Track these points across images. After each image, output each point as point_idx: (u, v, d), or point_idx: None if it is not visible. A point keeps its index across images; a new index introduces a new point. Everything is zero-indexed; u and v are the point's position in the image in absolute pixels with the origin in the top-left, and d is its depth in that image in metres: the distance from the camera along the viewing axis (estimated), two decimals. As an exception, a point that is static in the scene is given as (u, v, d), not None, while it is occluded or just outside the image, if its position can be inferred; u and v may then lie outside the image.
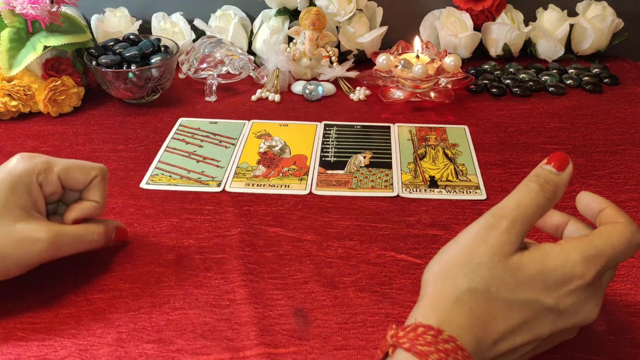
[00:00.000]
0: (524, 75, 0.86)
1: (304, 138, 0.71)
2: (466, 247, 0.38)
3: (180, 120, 0.75)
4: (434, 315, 0.36)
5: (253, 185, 0.63)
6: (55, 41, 0.73)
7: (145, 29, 0.91)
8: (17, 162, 0.47)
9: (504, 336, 0.36)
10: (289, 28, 0.87)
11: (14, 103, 0.74)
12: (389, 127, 0.74)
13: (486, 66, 0.89)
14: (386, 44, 0.89)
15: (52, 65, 0.75)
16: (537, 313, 0.37)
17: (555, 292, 0.36)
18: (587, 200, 0.42)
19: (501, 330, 0.36)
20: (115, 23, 0.89)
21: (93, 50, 0.77)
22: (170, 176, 0.64)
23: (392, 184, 0.63)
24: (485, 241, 0.37)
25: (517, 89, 0.82)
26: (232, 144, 0.70)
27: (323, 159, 0.67)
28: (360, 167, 0.66)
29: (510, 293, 0.36)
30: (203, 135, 0.72)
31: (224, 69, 0.81)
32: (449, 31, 0.89)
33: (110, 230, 0.52)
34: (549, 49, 0.90)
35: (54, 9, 0.73)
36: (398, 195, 0.61)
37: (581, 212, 0.42)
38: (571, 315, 0.37)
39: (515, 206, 0.37)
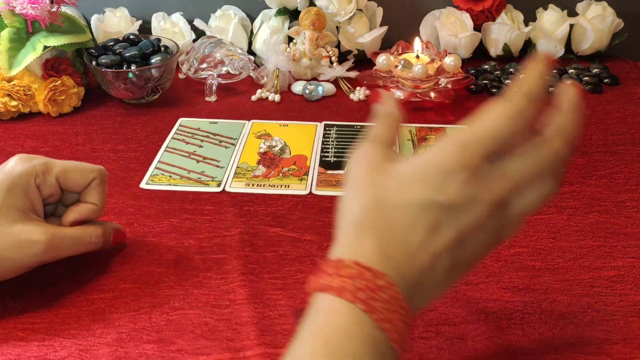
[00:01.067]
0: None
1: (304, 138, 0.71)
2: (347, 176, 0.38)
3: (180, 120, 0.75)
4: (338, 250, 0.35)
5: (253, 185, 0.63)
6: (55, 41, 0.73)
7: (145, 29, 0.91)
8: (15, 164, 0.47)
9: (416, 246, 0.34)
10: (289, 28, 0.87)
11: (13, 103, 0.74)
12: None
13: (486, 66, 0.89)
14: (386, 44, 0.89)
15: (52, 65, 0.75)
16: (436, 214, 0.35)
17: (442, 187, 0.34)
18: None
19: (408, 240, 0.34)
20: (115, 23, 0.89)
21: (93, 50, 0.77)
22: (170, 176, 0.64)
23: (392, 184, 0.63)
24: (358, 163, 0.38)
25: (517, 89, 0.82)
26: (232, 144, 0.70)
27: (323, 159, 0.67)
28: (360, 167, 0.66)
29: (397, 195, 0.35)
30: (203, 135, 0.72)
31: (224, 69, 0.81)
32: (449, 31, 0.89)
33: (108, 232, 0.52)
34: (549, 49, 0.90)
35: (54, 9, 0.73)
36: (398, 196, 0.61)
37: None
38: (471, 208, 0.35)
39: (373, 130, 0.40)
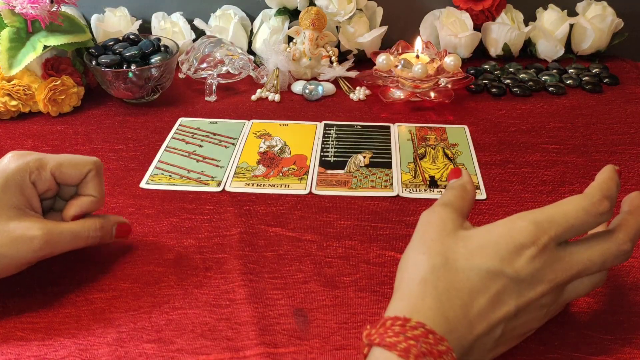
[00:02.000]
0: (524, 75, 0.86)
1: (304, 138, 0.71)
2: (417, 233, 0.40)
3: (180, 120, 0.75)
4: (401, 305, 0.36)
5: (253, 185, 0.63)
6: (55, 41, 0.73)
7: (145, 28, 0.91)
8: (9, 161, 0.47)
9: (476, 313, 0.36)
10: (289, 28, 0.87)
11: (13, 103, 0.74)
12: (388, 127, 0.74)
13: (486, 66, 0.89)
14: (386, 44, 0.89)
15: (52, 65, 0.75)
16: (501, 284, 0.36)
17: (511, 259, 0.36)
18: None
19: (470, 305, 0.36)
20: (115, 23, 0.89)
21: (93, 50, 0.77)
22: (170, 176, 0.64)
23: (392, 184, 0.63)
24: (430, 223, 0.40)
25: (517, 89, 0.82)
26: (232, 144, 0.70)
27: (323, 158, 0.67)
28: (360, 167, 0.66)
29: (467, 261, 0.37)
30: (203, 135, 0.72)
31: (224, 68, 0.81)
32: (449, 31, 0.89)
33: (109, 225, 0.51)
34: (549, 49, 0.90)
35: (54, 9, 0.73)
36: (398, 195, 0.61)
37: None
38: (535, 285, 0.37)
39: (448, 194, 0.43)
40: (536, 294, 0.37)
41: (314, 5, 0.86)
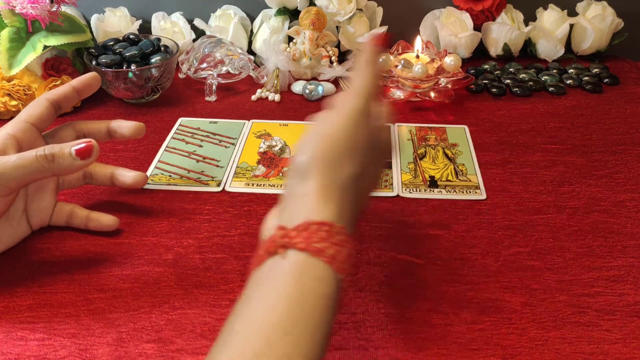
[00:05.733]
0: (524, 75, 0.86)
1: (304, 138, 0.71)
2: (345, 132, 0.41)
3: (180, 120, 0.75)
4: (326, 209, 0.36)
5: (253, 185, 0.63)
6: (55, 41, 0.73)
7: (145, 28, 0.91)
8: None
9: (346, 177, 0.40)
10: (289, 28, 0.87)
11: (13, 103, 0.74)
12: (388, 127, 0.74)
13: (486, 66, 0.89)
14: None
15: (52, 65, 0.75)
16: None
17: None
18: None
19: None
20: (115, 23, 0.89)
21: (93, 50, 0.77)
22: (170, 176, 0.64)
23: (392, 184, 0.63)
24: (358, 125, 0.41)
25: (517, 89, 0.82)
26: (232, 144, 0.70)
27: (323, 158, 0.67)
28: (360, 167, 0.66)
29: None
30: (203, 135, 0.72)
31: (224, 68, 0.81)
32: (449, 31, 0.89)
33: (64, 147, 0.47)
34: (549, 48, 0.90)
35: (54, 9, 0.73)
36: (398, 195, 0.61)
37: None
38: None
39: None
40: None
41: (314, 5, 0.86)
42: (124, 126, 0.57)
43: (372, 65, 0.45)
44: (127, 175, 0.58)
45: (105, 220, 0.55)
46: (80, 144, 0.47)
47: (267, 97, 0.81)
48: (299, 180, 0.38)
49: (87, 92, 0.57)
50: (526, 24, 0.91)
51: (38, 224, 0.55)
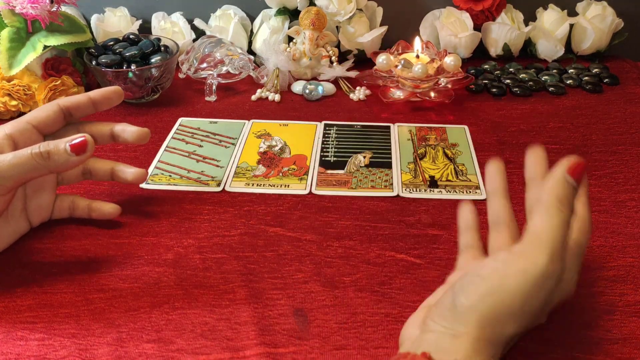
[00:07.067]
0: (524, 75, 0.86)
1: (304, 138, 0.71)
2: (521, 296, 0.36)
3: (180, 120, 0.75)
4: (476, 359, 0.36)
5: (253, 185, 0.63)
6: (55, 41, 0.73)
7: (145, 28, 0.91)
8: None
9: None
10: (289, 28, 0.87)
11: (13, 103, 0.74)
12: (388, 127, 0.74)
13: (486, 66, 0.89)
14: (386, 44, 0.89)
15: (52, 65, 0.75)
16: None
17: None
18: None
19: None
20: (115, 23, 0.89)
21: (93, 50, 0.77)
22: (170, 176, 0.64)
23: (392, 184, 0.63)
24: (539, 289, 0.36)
25: (517, 89, 0.82)
26: (232, 144, 0.70)
27: (323, 158, 0.67)
28: (360, 167, 0.66)
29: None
30: (203, 135, 0.72)
31: (224, 68, 0.81)
32: (449, 31, 0.89)
33: (59, 143, 0.47)
34: (549, 48, 0.90)
35: (54, 9, 0.73)
36: (398, 195, 0.61)
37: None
38: None
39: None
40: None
41: (314, 5, 0.86)
42: (128, 131, 0.55)
43: (566, 208, 0.36)
44: (127, 172, 0.57)
45: (107, 208, 0.56)
46: (75, 139, 0.47)
47: (267, 97, 0.81)
48: (452, 317, 0.37)
49: (105, 105, 0.55)
50: (526, 24, 0.91)
51: (38, 221, 0.55)
